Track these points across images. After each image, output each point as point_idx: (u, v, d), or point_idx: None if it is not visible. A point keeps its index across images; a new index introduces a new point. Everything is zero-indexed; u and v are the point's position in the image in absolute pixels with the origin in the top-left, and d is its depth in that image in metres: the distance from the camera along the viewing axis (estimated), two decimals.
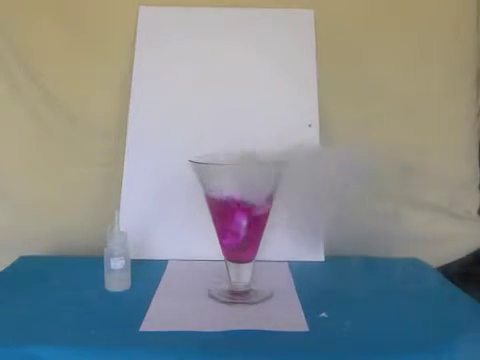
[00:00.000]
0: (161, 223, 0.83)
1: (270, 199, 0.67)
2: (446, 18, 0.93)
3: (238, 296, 0.68)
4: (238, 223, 0.66)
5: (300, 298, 0.68)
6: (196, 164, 0.66)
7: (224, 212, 0.67)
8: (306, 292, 0.69)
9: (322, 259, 0.83)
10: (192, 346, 0.56)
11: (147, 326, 0.61)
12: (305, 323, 0.61)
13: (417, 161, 0.93)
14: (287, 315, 0.64)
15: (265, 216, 0.68)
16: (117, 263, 0.70)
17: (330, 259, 0.82)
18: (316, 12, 0.91)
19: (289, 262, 0.80)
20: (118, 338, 0.57)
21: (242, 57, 0.90)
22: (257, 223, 0.68)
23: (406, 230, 0.91)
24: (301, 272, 0.76)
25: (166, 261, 0.81)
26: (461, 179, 0.96)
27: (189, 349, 0.56)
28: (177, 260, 0.81)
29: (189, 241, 0.82)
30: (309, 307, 0.65)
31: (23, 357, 0.55)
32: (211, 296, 0.69)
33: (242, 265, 0.69)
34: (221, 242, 0.69)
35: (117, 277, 0.71)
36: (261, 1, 0.92)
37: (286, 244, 0.81)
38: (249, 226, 0.67)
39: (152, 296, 0.69)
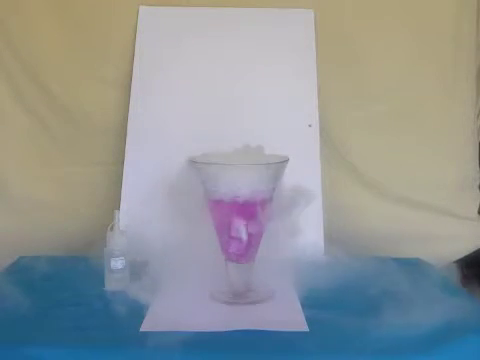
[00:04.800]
0: (161, 223, 0.83)
1: (270, 199, 0.67)
2: (446, 18, 0.92)
3: (238, 296, 0.68)
4: (239, 228, 0.66)
5: (300, 298, 0.68)
6: (195, 164, 0.66)
7: (224, 214, 0.67)
8: (306, 292, 0.69)
9: (322, 259, 0.83)
10: (192, 346, 0.56)
11: (147, 326, 0.61)
12: (305, 323, 0.61)
13: (417, 161, 0.93)
14: (287, 315, 0.64)
15: (265, 216, 0.68)
16: (117, 263, 0.70)
17: (330, 259, 0.82)
18: (316, 12, 0.91)
19: (289, 262, 0.80)
20: (118, 338, 0.57)
21: (242, 57, 0.90)
22: (258, 223, 0.68)
23: (406, 230, 0.92)
24: (301, 272, 0.76)
25: (166, 261, 0.81)
26: (461, 179, 0.96)
27: (189, 349, 0.56)
28: (177, 259, 0.81)
29: (189, 241, 0.82)
30: (309, 307, 0.65)
31: (23, 357, 0.55)
32: (211, 296, 0.69)
33: (242, 265, 0.69)
34: (225, 249, 0.69)
35: (117, 277, 0.71)
36: (261, 1, 0.92)
37: (286, 244, 0.81)
38: (250, 227, 0.67)
39: (152, 296, 0.69)
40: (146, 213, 0.83)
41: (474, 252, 0.95)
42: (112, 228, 0.71)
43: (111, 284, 0.71)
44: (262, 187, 0.66)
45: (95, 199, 0.92)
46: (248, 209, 0.66)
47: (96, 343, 0.56)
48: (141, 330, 0.60)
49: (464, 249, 0.95)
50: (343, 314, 0.63)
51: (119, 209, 0.80)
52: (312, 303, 0.66)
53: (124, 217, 0.75)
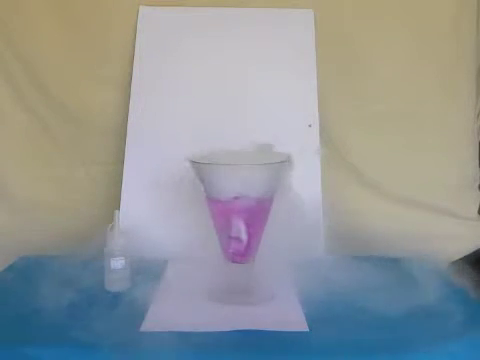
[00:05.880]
0: (161, 223, 0.83)
1: (270, 199, 0.67)
2: (446, 18, 0.92)
3: (238, 296, 0.68)
4: (239, 228, 0.66)
5: (300, 298, 0.68)
6: (195, 164, 0.66)
7: (224, 214, 0.67)
8: (306, 292, 0.69)
9: (322, 259, 0.82)
10: (192, 346, 0.56)
11: (147, 326, 0.61)
12: (305, 323, 0.61)
13: (417, 161, 0.93)
14: (287, 315, 0.64)
15: (265, 216, 0.68)
16: (117, 263, 0.70)
17: (330, 259, 0.82)
18: (316, 12, 0.91)
19: (289, 262, 0.80)
20: (118, 338, 0.57)
21: (242, 57, 0.90)
22: (258, 223, 0.68)
23: (406, 230, 0.92)
24: (301, 272, 0.76)
25: (166, 261, 0.81)
26: (461, 179, 0.96)
27: (189, 349, 0.56)
28: (177, 260, 0.81)
29: (189, 241, 0.82)
30: (309, 307, 0.65)
31: (22, 357, 0.55)
32: (211, 296, 0.69)
33: (242, 265, 0.69)
34: (225, 249, 0.69)
35: (117, 277, 0.71)
36: (261, 1, 0.92)
37: (286, 244, 0.81)
38: (250, 227, 0.67)
39: (152, 296, 0.69)
40: (146, 213, 0.84)
41: (474, 252, 0.95)
42: (112, 228, 0.71)
43: (111, 284, 0.71)
44: (262, 187, 0.66)
45: (95, 199, 0.92)
46: (248, 209, 0.66)
47: (96, 343, 0.56)
48: (141, 330, 0.60)
49: (464, 249, 0.95)
50: (343, 314, 0.63)
51: (119, 209, 0.80)
52: (312, 303, 0.66)
53: (124, 217, 0.75)
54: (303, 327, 0.60)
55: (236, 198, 0.65)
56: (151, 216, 0.83)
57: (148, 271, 0.76)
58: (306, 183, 0.73)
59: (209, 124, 0.87)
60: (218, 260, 0.71)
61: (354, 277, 0.73)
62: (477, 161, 0.97)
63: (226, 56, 0.90)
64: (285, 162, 0.67)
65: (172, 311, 0.65)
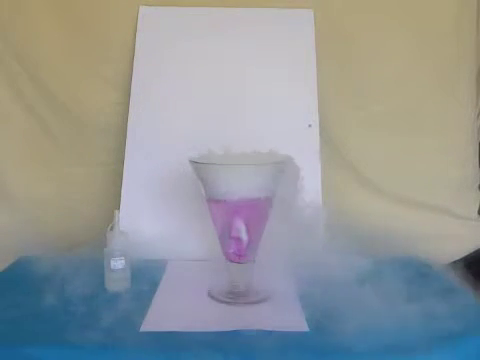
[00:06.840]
0: (161, 223, 0.83)
1: (270, 199, 0.67)
2: (446, 18, 0.92)
3: (238, 296, 0.68)
4: (239, 228, 0.66)
5: (300, 298, 0.68)
6: (195, 164, 0.66)
7: (224, 214, 0.67)
8: (306, 292, 0.69)
9: (322, 258, 0.82)
10: (192, 346, 0.56)
11: (147, 326, 0.61)
12: (305, 323, 0.61)
13: (417, 161, 0.93)
14: (287, 315, 0.64)
15: (265, 216, 0.68)
16: (117, 263, 0.70)
17: (330, 259, 0.82)
18: (316, 12, 0.91)
19: (289, 261, 0.80)
20: (118, 338, 0.57)
21: (242, 57, 0.90)
22: (258, 223, 0.68)
23: (406, 230, 0.92)
24: (301, 271, 0.76)
25: (166, 261, 0.81)
26: (461, 179, 0.96)
27: (189, 349, 0.56)
28: (177, 260, 0.81)
29: (189, 241, 0.82)
30: (309, 307, 0.65)
31: (23, 357, 0.55)
32: (211, 296, 0.69)
33: (242, 265, 0.69)
34: (225, 249, 0.69)
35: (117, 277, 0.71)
36: (261, 1, 0.92)
37: (286, 244, 0.81)
38: (250, 227, 0.67)
39: (152, 296, 0.69)
40: (146, 213, 0.84)
41: (474, 252, 0.95)
42: (112, 228, 0.71)
43: (111, 284, 0.71)
44: (263, 187, 0.66)
45: (95, 199, 0.92)
46: (248, 209, 0.66)
47: (96, 343, 0.56)
48: (141, 330, 0.60)
49: (464, 249, 0.95)
50: (343, 314, 0.63)
51: (119, 209, 0.80)
52: (312, 303, 0.66)
53: (124, 217, 0.75)
54: (303, 327, 0.60)
55: (236, 198, 0.65)
56: (151, 216, 0.83)
57: (148, 271, 0.76)
58: (306, 183, 0.73)
59: (209, 124, 0.87)
60: (218, 260, 0.71)
61: (353, 277, 0.73)
62: (477, 161, 0.97)
63: (226, 56, 0.90)
64: (285, 162, 0.67)
65: (172, 311, 0.65)
